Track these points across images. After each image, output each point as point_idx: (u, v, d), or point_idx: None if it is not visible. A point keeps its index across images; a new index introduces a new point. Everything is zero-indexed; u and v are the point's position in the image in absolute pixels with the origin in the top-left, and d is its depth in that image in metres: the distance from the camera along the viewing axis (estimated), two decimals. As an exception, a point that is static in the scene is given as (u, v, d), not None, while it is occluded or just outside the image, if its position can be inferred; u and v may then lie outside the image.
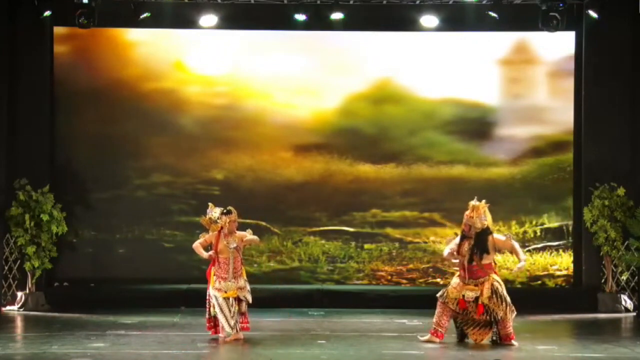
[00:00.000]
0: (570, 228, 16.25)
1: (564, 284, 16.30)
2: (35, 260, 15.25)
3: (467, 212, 11.54)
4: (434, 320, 11.59)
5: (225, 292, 11.68)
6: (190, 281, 15.60)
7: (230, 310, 11.64)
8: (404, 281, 16.22)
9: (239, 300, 11.74)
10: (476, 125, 16.40)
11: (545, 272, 16.26)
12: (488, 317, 11.45)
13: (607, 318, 14.83)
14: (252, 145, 16.39)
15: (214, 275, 11.81)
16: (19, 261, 15.50)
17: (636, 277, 15.61)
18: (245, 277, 11.91)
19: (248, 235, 11.99)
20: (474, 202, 11.53)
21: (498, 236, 11.63)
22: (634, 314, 15.24)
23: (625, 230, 15.30)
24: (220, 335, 11.80)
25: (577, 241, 16.16)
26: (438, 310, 11.57)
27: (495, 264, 11.67)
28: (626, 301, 15.48)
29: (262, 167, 16.40)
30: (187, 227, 15.81)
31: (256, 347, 11.27)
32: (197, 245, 12.00)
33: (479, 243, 11.40)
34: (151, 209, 16.30)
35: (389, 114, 16.44)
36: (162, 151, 16.34)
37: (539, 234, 16.29)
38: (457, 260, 11.67)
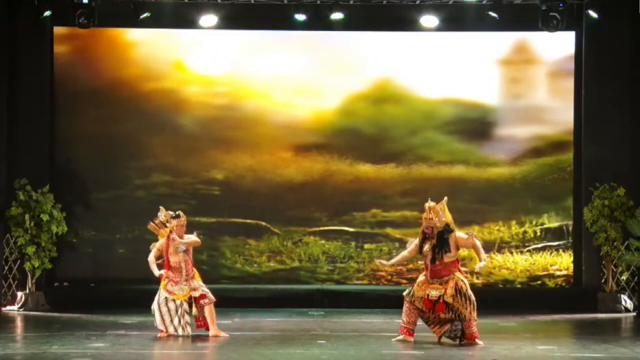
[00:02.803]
0: (570, 228, 16.25)
1: (564, 284, 16.30)
2: (35, 260, 15.25)
3: (424, 215, 11.46)
4: (404, 319, 11.55)
5: (177, 294, 11.89)
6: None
7: (172, 310, 11.86)
8: (404, 281, 16.19)
9: (194, 302, 11.90)
10: (476, 125, 16.40)
11: (545, 272, 16.25)
12: (451, 315, 11.40)
13: (607, 318, 14.82)
14: (252, 145, 16.39)
15: (167, 277, 11.98)
16: (19, 261, 15.51)
17: (636, 277, 15.61)
18: (198, 279, 12.02)
19: (193, 237, 12.07)
20: (429, 204, 11.45)
21: (460, 234, 11.57)
22: (634, 314, 15.24)
23: (625, 230, 15.29)
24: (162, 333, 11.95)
25: (577, 241, 16.15)
26: (405, 308, 11.54)
27: (459, 261, 11.62)
28: (626, 301, 15.48)
29: (262, 167, 16.39)
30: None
31: (256, 347, 11.27)
32: (151, 260, 12.20)
33: (440, 242, 11.37)
34: (151, 209, 16.19)
35: (389, 114, 16.44)
36: (162, 151, 16.34)
37: (539, 234, 16.28)
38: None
